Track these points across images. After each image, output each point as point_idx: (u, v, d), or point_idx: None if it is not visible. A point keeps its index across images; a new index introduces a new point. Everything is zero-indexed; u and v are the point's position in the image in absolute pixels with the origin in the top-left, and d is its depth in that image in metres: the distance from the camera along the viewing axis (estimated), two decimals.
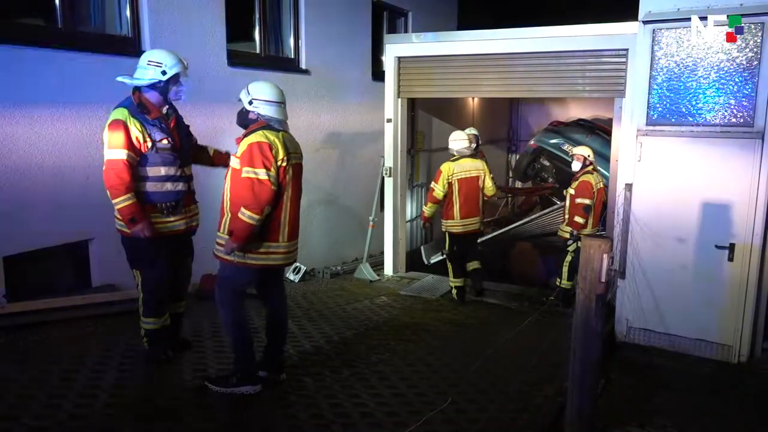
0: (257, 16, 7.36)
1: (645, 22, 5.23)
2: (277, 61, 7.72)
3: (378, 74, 8.92)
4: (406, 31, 10.41)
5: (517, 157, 11.48)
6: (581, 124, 9.90)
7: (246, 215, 3.50)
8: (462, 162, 6.61)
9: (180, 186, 3.94)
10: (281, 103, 3.76)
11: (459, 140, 6.69)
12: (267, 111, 3.69)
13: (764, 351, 5.32)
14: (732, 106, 5.03)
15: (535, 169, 10.14)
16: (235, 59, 6.70)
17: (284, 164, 3.59)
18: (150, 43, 5.78)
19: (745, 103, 4.97)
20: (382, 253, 8.13)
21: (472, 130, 8.49)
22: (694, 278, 5.31)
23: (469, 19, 12.20)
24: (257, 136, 3.55)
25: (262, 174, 3.48)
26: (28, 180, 4.92)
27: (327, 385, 3.98)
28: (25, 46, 4.82)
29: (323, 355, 4.58)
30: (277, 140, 3.57)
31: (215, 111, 6.28)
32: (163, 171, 3.84)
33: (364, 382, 4.15)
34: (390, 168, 7.68)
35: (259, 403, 3.70)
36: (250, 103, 3.70)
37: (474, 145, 6.84)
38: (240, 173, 3.54)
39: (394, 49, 7.52)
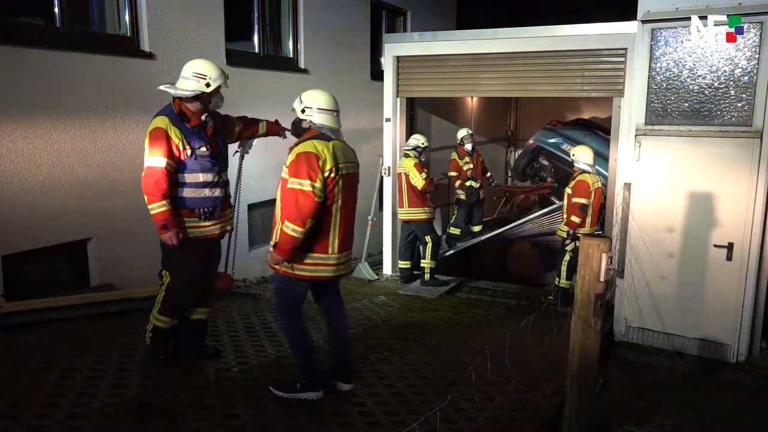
0: (256, 15, 7.36)
1: (644, 22, 5.24)
2: (276, 60, 7.72)
3: (377, 73, 8.93)
4: (404, 31, 10.41)
5: (516, 155, 11.48)
6: (580, 124, 9.90)
7: (289, 228, 3.48)
8: (399, 161, 7.39)
9: (217, 192, 3.98)
10: (335, 111, 3.71)
11: (408, 140, 7.37)
12: (319, 119, 3.65)
13: (762, 350, 5.33)
14: (730, 106, 5.03)
15: (534, 169, 10.14)
16: (234, 58, 6.70)
17: (332, 175, 3.52)
18: (149, 43, 5.78)
19: (743, 103, 4.98)
20: (381, 252, 8.13)
21: (466, 131, 8.52)
22: (692, 277, 5.31)
23: (468, 19, 12.21)
24: (305, 146, 3.52)
25: (306, 185, 3.44)
26: (27, 179, 4.92)
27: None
28: (23, 46, 4.81)
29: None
30: (326, 150, 3.51)
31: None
32: (201, 177, 3.88)
33: (363, 381, 4.15)
34: (389, 167, 7.68)
35: (257, 403, 3.70)
36: (303, 111, 3.67)
37: (420, 148, 7.28)
38: (287, 183, 3.54)
39: (392, 49, 7.52)
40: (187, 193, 3.86)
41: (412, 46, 7.42)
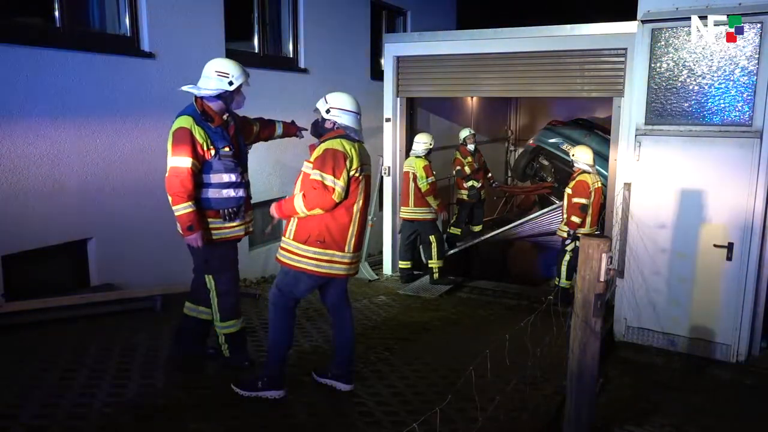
0: (256, 15, 7.35)
1: (644, 22, 5.24)
2: (276, 60, 7.72)
3: (377, 73, 8.92)
4: (405, 31, 10.41)
5: (517, 155, 11.48)
6: (580, 123, 9.90)
7: (298, 203, 3.54)
8: (408, 160, 7.36)
9: (241, 192, 3.96)
10: (358, 114, 3.77)
11: (416, 142, 7.33)
12: (345, 120, 3.69)
13: (762, 350, 5.33)
14: (730, 106, 5.04)
15: (534, 169, 10.14)
16: (234, 58, 6.66)
17: (357, 174, 3.59)
18: (149, 43, 5.78)
19: (743, 103, 4.98)
20: (381, 252, 8.13)
21: (468, 131, 8.53)
22: (692, 278, 5.31)
23: (468, 19, 12.21)
24: (334, 144, 3.56)
25: (328, 180, 3.49)
26: (27, 179, 4.92)
27: (325, 385, 3.98)
28: (23, 46, 4.81)
29: (322, 355, 4.58)
30: (353, 150, 3.58)
31: None
32: (225, 178, 3.86)
33: (363, 381, 4.15)
34: (389, 167, 7.69)
35: (258, 403, 3.70)
36: (328, 111, 3.70)
37: (427, 148, 7.29)
38: (310, 175, 3.57)
39: (393, 49, 7.52)
40: (211, 193, 3.83)
41: (412, 46, 7.42)
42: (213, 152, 3.76)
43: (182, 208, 3.69)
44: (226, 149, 3.82)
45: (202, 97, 3.79)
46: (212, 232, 3.85)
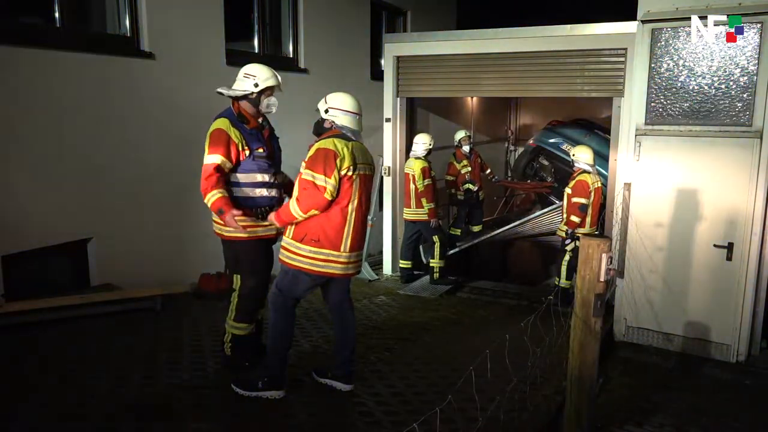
0: (256, 15, 7.36)
1: (644, 22, 5.24)
2: (276, 60, 7.72)
3: (377, 73, 8.92)
4: (404, 31, 10.41)
5: (517, 155, 11.47)
6: (580, 124, 9.89)
7: (293, 208, 3.61)
8: (408, 161, 7.37)
9: (274, 192, 4.07)
10: (357, 114, 3.81)
11: (415, 142, 7.31)
12: (343, 120, 3.74)
13: (762, 350, 5.33)
14: (730, 106, 5.04)
15: (534, 169, 10.14)
16: (234, 58, 6.70)
17: (350, 173, 3.61)
18: (149, 43, 5.78)
19: (743, 103, 4.98)
20: (381, 252, 8.13)
21: (464, 132, 8.52)
22: (692, 278, 5.32)
23: (468, 19, 12.21)
24: (326, 143, 3.61)
25: (319, 180, 3.53)
26: (27, 179, 4.92)
27: (325, 385, 3.98)
28: (23, 46, 4.81)
29: (322, 355, 4.58)
30: (345, 149, 3.60)
31: (213, 111, 6.28)
32: (259, 177, 3.98)
33: (363, 381, 4.15)
34: (389, 167, 7.69)
35: (258, 403, 3.70)
36: (326, 111, 3.76)
37: (427, 149, 7.27)
38: (302, 175, 3.62)
39: (392, 49, 7.52)
40: (245, 192, 3.95)
41: (412, 46, 7.42)
42: (247, 153, 3.89)
43: (211, 196, 3.79)
44: (260, 150, 3.95)
45: (236, 99, 3.95)
46: (246, 230, 3.92)
